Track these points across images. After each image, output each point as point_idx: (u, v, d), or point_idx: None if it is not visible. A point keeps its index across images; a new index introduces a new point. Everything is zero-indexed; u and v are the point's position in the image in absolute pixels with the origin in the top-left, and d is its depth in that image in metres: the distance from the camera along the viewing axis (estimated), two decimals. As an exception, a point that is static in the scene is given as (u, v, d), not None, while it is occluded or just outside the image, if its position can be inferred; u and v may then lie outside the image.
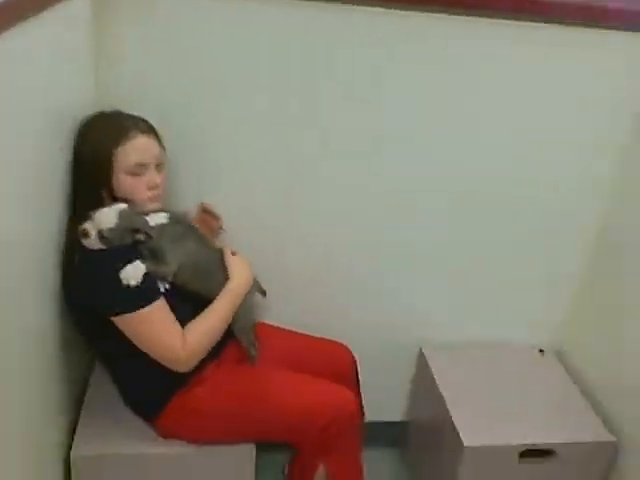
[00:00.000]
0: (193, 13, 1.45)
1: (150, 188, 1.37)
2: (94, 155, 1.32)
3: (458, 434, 1.59)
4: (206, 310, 1.39)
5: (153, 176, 1.37)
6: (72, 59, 1.35)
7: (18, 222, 1.08)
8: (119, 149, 1.32)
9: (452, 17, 1.50)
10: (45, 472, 1.32)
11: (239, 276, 1.45)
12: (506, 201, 1.75)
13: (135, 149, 1.33)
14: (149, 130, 1.38)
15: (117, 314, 1.27)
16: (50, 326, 1.31)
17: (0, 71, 0.92)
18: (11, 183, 1.03)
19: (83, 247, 1.28)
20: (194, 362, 1.36)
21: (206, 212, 1.61)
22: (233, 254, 1.50)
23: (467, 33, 1.53)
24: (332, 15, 1.48)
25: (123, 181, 1.34)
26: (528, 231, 1.80)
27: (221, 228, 1.62)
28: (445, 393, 1.71)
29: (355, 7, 1.47)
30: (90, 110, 1.40)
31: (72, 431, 1.46)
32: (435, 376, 1.78)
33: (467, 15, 1.50)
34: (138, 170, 1.34)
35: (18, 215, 1.08)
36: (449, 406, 1.67)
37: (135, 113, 1.40)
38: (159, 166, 1.40)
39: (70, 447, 1.41)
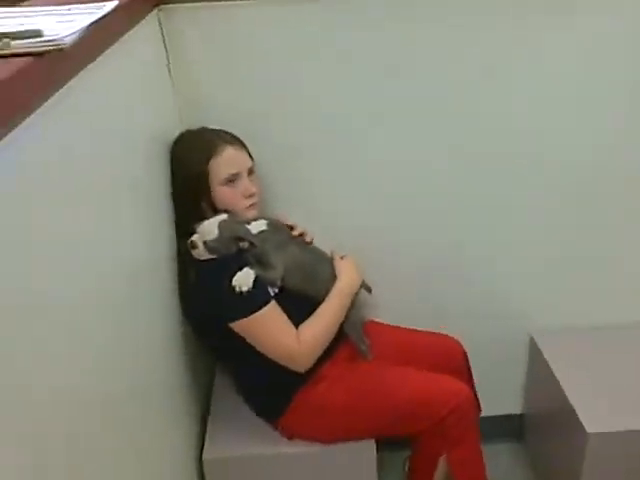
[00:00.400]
0: (265, 25, 1.49)
1: (246, 196, 1.44)
2: (190, 172, 1.41)
3: (580, 421, 1.54)
4: (317, 310, 1.44)
5: (247, 185, 1.44)
6: (156, 83, 1.44)
7: (137, 242, 1.19)
8: (211, 163, 1.40)
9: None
10: (179, 475, 1.40)
11: (347, 276, 1.50)
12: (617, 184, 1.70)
13: (226, 161, 1.41)
14: (235, 141, 1.45)
15: (233, 320, 1.34)
16: (173, 337, 1.40)
17: (96, 101, 1.00)
18: (125, 207, 1.13)
19: (194, 260, 1.37)
20: (311, 361, 1.41)
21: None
22: (341, 258, 1.55)
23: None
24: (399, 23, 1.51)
25: (220, 193, 1.42)
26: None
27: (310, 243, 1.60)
28: (562, 380, 1.67)
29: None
30: (176, 130, 1.49)
31: (202, 434, 1.55)
32: (550, 363, 1.73)
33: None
34: (232, 180, 1.42)
35: (135, 234, 1.18)
36: (567, 393, 1.62)
37: (217, 126, 1.47)
38: (251, 175, 1.47)
39: (201, 450, 1.49)
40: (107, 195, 1.02)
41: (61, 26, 0.78)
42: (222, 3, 1.46)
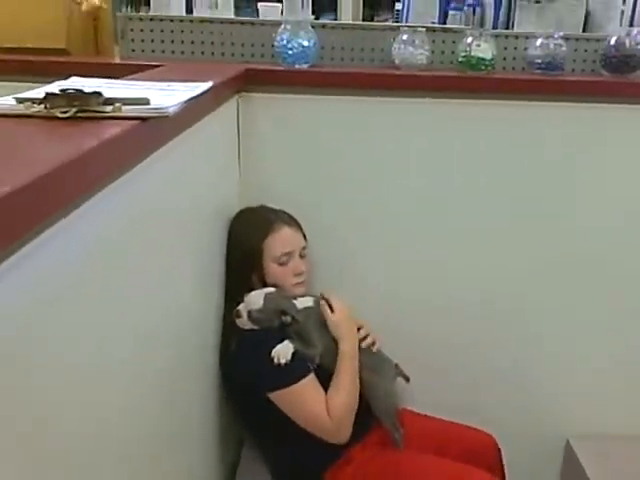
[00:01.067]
0: (327, 113, 1.62)
1: (296, 275, 1.50)
2: (245, 247, 1.48)
3: (616, 533, 1.49)
4: (335, 382, 1.42)
5: (298, 264, 1.51)
6: (225, 162, 1.56)
7: (190, 304, 1.24)
8: (267, 240, 1.47)
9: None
10: None
11: (347, 336, 1.46)
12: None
13: (281, 240, 1.48)
14: (291, 221, 1.53)
15: (272, 390, 1.37)
16: (209, 403, 1.43)
17: (176, 171, 1.09)
18: (186, 270, 1.19)
19: (238, 330, 1.41)
20: (346, 430, 1.40)
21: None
22: (329, 306, 1.49)
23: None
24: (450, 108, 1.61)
25: (272, 269, 1.48)
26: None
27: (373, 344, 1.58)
28: (598, 488, 1.63)
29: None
30: (235, 207, 1.58)
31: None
32: (586, 469, 1.69)
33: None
34: (284, 259, 1.48)
35: (191, 298, 1.24)
36: (604, 503, 1.58)
37: (275, 207, 1.56)
38: (302, 254, 1.53)
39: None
40: (172, 257, 1.09)
41: (164, 98, 0.87)
42: (299, 97, 1.60)
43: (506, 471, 1.63)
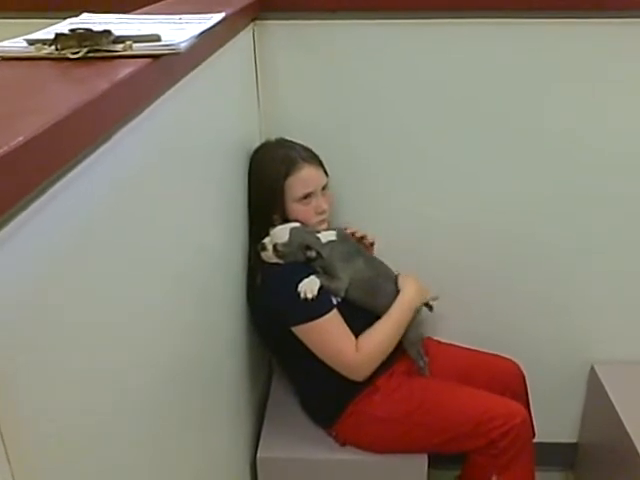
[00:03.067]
0: (347, 38, 1.56)
1: (318, 213, 1.49)
2: (266, 186, 1.46)
3: (639, 454, 1.51)
4: (379, 321, 1.46)
5: (320, 202, 1.49)
6: (244, 93, 1.52)
7: (215, 242, 1.25)
8: (288, 180, 1.45)
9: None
10: (233, 473, 1.45)
11: (410, 290, 1.51)
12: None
13: (302, 180, 1.46)
14: (313, 159, 1.50)
15: (295, 324, 1.39)
16: (239, 334, 1.46)
17: (194, 105, 1.07)
18: (210, 204, 1.19)
19: (263, 266, 1.43)
20: (368, 370, 1.43)
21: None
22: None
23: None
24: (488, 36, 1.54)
25: (293, 208, 1.47)
26: None
27: (372, 245, 1.63)
28: (622, 412, 1.64)
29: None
30: (256, 139, 1.55)
31: (257, 433, 1.60)
32: (610, 394, 1.71)
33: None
34: (306, 199, 1.47)
35: (216, 235, 1.25)
36: (628, 427, 1.60)
37: (296, 139, 1.52)
38: (324, 191, 1.51)
39: (256, 450, 1.54)
40: (195, 191, 1.09)
41: (175, 33, 0.85)
42: (317, 22, 1.54)
43: (530, 398, 1.66)
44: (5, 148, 0.48)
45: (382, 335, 1.45)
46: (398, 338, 1.49)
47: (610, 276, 1.77)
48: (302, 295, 1.36)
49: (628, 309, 1.80)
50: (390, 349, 1.47)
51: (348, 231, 1.58)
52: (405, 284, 1.53)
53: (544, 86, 1.58)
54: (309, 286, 1.37)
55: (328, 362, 1.42)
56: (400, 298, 1.50)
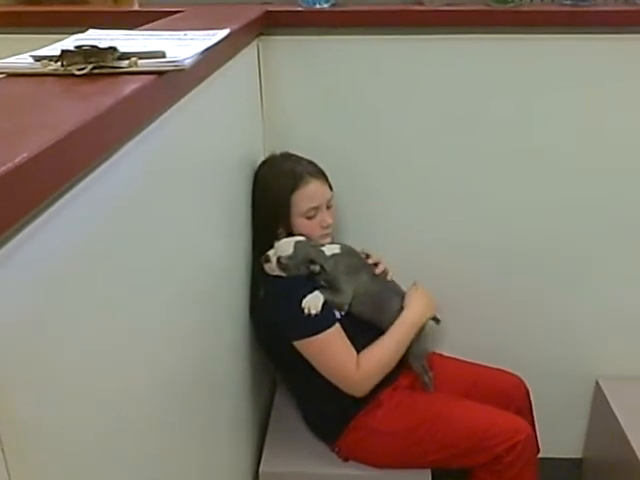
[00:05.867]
0: (350, 53, 1.58)
1: (323, 227, 1.49)
2: (272, 200, 1.47)
3: (644, 471, 1.51)
4: (381, 338, 1.46)
5: (325, 216, 1.49)
6: (248, 108, 1.53)
7: (219, 255, 1.25)
8: (295, 194, 1.45)
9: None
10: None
11: (416, 306, 1.51)
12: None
13: (309, 194, 1.46)
14: (319, 173, 1.50)
15: (297, 338, 1.39)
16: (241, 347, 1.46)
17: (199, 120, 1.08)
18: (213, 218, 1.20)
19: (267, 279, 1.43)
20: (368, 387, 1.43)
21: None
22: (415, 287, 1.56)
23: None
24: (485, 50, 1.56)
25: (299, 223, 1.47)
26: None
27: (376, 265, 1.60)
28: (627, 429, 1.63)
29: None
30: (260, 154, 1.56)
31: (260, 447, 1.59)
32: (615, 410, 1.70)
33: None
34: (312, 213, 1.47)
35: (220, 248, 1.25)
36: (633, 442, 1.59)
37: (300, 153, 1.53)
38: (329, 205, 1.52)
39: (258, 464, 1.53)
40: (198, 206, 1.09)
41: (180, 49, 0.86)
42: (320, 37, 1.56)
43: (535, 413, 1.65)
44: (9, 165, 0.49)
45: (383, 353, 1.45)
46: (400, 355, 1.48)
47: (615, 290, 1.77)
48: (306, 311, 1.36)
49: (633, 324, 1.80)
50: (391, 366, 1.46)
51: (365, 252, 1.58)
52: (411, 300, 1.52)
53: (540, 100, 1.60)
54: (313, 302, 1.38)
55: (328, 377, 1.41)
56: (404, 315, 1.49)
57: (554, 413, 1.84)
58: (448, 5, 1.58)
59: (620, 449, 1.64)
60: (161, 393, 0.91)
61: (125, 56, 0.79)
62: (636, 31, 1.52)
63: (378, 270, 1.55)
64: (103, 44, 0.79)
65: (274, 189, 1.47)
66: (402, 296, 1.55)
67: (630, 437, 1.60)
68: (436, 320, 1.60)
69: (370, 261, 1.57)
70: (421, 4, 1.61)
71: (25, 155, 0.51)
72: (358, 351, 1.43)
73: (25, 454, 0.57)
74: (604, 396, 1.77)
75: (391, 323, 1.48)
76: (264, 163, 1.53)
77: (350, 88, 1.61)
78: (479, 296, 1.80)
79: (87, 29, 1.04)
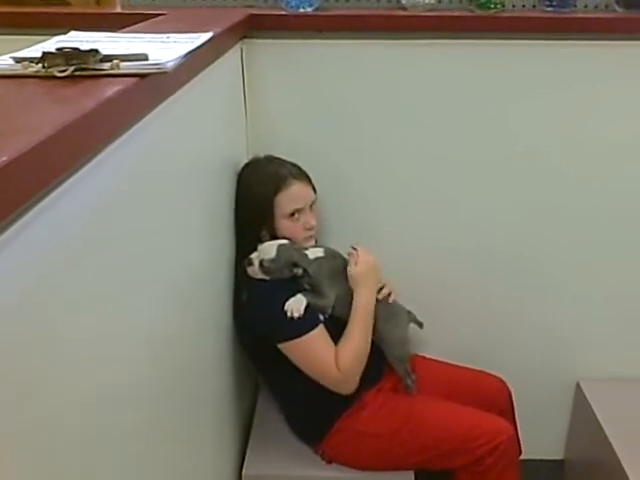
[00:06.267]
0: (333, 57, 1.58)
1: (306, 229, 1.50)
2: (256, 202, 1.47)
3: (625, 471, 1.52)
4: (346, 331, 1.43)
5: (308, 218, 1.50)
6: (231, 110, 1.53)
7: (201, 258, 1.25)
8: (278, 196, 1.45)
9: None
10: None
11: (364, 289, 1.46)
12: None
13: (292, 196, 1.46)
14: (302, 176, 1.50)
15: (281, 341, 1.39)
16: (224, 349, 1.45)
17: (181, 123, 1.08)
18: (195, 221, 1.20)
19: (250, 282, 1.42)
20: (353, 382, 1.42)
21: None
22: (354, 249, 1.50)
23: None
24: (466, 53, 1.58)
25: (282, 224, 1.47)
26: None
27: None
28: (607, 429, 1.65)
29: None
30: (243, 157, 1.56)
31: (243, 449, 1.59)
32: (595, 411, 1.72)
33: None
34: (295, 215, 1.47)
35: (202, 251, 1.25)
36: (613, 442, 1.60)
37: (283, 156, 1.53)
38: (313, 207, 1.52)
39: (242, 467, 1.52)
40: (181, 208, 1.09)
41: (163, 52, 0.86)
42: (304, 41, 1.56)
43: (516, 414, 1.67)
44: (-12, 168, 0.48)
45: (354, 343, 1.42)
46: (369, 342, 1.44)
47: (595, 293, 1.79)
48: (289, 314, 1.36)
49: (613, 326, 1.82)
50: (365, 355, 1.43)
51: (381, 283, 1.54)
52: (355, 282, 1.46)
53: (522, 105, 1.62)
54: (295, 305, 1.38)
55: (314, 378, 1.41)
56: (357, 300, 1.45)
57: (536, 414, 1.85)
58: (431, 11, 1.60)
59: (601, 450, 1.66)
60: (142, 395, 0.90)
61: (107, 58, 0.79)
62: (616, 37, 1.55)
63: (381, 294, 1.51)
64: (85, 46, 0.79)
65: (257, 191, 1.47)
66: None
67: (611, 438, 1.62)
68: (419, 324, 1.61)
69: (385, 291, 1.52)
70: (405, 9, 1.62)
71: (5, 159, 0.50)
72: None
73: (12, 452, 0.57)
74: (585, 398, 1.79)
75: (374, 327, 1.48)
76: (247, 165, 1.53)
77: (333, 92, 1.62)
78: (461, 299, 1.81)
79: (69, 31, 1.04)
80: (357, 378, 1.43)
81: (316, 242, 1.55)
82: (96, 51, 0.78)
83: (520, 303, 1.81)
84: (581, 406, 1.83)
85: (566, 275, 1.78)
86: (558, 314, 1.82)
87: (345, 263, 1.54)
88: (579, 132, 1.64)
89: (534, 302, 1.81)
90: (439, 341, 1.80)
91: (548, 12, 1.61)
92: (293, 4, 1.57)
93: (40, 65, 0.77)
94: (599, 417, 1.70)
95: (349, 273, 1.47)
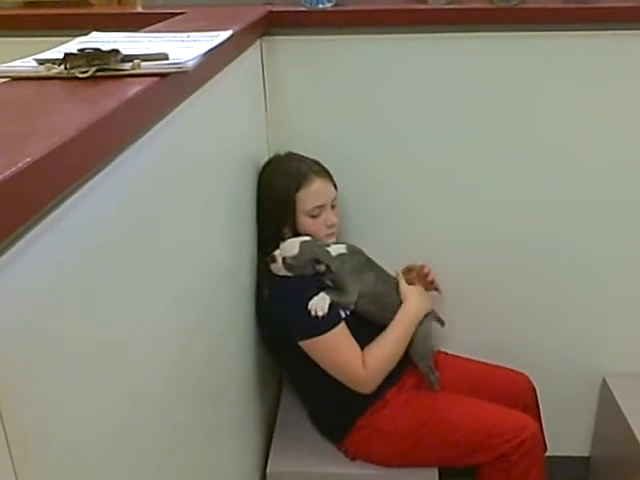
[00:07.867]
0: (353, 53, 1.57)
1: (328, 226, 1.50)
2: (277, 199, 1.47)
3: (653, 469, 1.50)
4: (384, 334, 1.46)
5: (330, 215, 1.50)
6: (252, 108, 1.53)
7: (224, 255, 1.26)
8: (300, 193, 1.45)
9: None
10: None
11: (413, 302, 1.50)
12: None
13: (313, 193, 1.46)
14: (323, 172, 1.50)
15: (302, 338, 1.39)
16: (247, 347, 1.46)
17: (202, 122, 1.09)
18: (218, 219, 1.20)
19: (273, 279, 1.43)
20: (375, 383, 1.43)
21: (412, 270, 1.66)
22: (410, 284, 1.56)
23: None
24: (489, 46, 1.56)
25: (304, 221, 1.47)
26: None
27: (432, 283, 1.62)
28: (635, 426, 1.62)
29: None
30: (264, 154, 1.56)
31: (267, 446, 1.59)
32: (622, 407, 1.69)
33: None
34: (316, 212, 1.47)
35: (225, 248, 1.26)
36: (640, 439, 1.58)
37: (304, 153, 1.53)
38: (334, 204, 1.52)
39: (266, 464, 1.53)
40: (203, 206, 1.10)
41: (183, 51, 0.86)
42: (323, 37, 1.56)
43: (541, 411, 1.65)
44: (13, 169, 0.49)
45: (386, 350, 1.45)
46: (402, 351, 1.48)
47: (622, 287, 1.76)
48: (313, 313, 1.36)
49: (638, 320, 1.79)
50: (395, 361, 1.46)
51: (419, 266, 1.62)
52: (408, 294, 1.52)
53: (545, 97, 1.60)
54: (319, 304, 1.38)
55: (335, 375, 1.42)
56: (402, 310, 1.49)
57: (561, 411, 1.83)
58: (451, 4, 1.58)
59: (627, 446, 1.64)
60: (166, 394, 0.91)
61: (128, 58, 0.80)
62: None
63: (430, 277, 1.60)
64: (106, 47, 0.80)
65: (279, 188, 1.47)
66: None
67: (637, 434, 1.59)
68: (441, 322, 1.61)
69: (430, 278, 1.61)
70: (425, 3, 1.60)
71: (29, 159, 0.51)
72: (362, 348, 1.43)
73: (31, 455, 0.57)
74: (611, 393, 1.76)
75: None
76: (268, 163, 1.53)
77: (354, 87, 1.61)
78: (485, 294, 1.80)
79: (90, 32, 1.05)
80: (379, 381, 1.44)
81: (337, 239, 1.55)
82: (117, 51, 0.79)
83: (545, 298, 1.79)
84: (607, 402, 1.80)
85: (593, 269, 1.75)
86: (584, 309, 1.79)
87: (368, 259, 1.54)
88: (603, 124, 1.61)
89: (560, 297, 1.78)
90: (463, 337, 1.79)
91: (570, 2, 1.58)
92: (312, 0, 1.57)
93: (62, 66, 0.78)
94: (625, 413, 1.67)
95: (402, 284, 1.53)
